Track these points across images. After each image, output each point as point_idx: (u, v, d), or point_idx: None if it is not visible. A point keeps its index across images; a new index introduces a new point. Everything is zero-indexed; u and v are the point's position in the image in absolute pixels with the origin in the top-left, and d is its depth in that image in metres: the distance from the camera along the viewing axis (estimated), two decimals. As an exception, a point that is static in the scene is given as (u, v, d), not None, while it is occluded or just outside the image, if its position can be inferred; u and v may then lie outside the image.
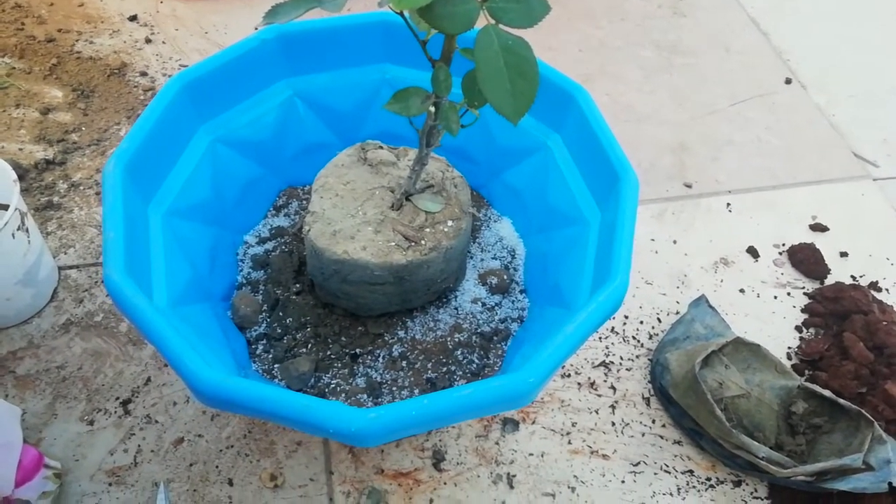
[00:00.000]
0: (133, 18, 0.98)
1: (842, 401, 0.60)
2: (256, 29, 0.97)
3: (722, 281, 0.75)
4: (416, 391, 0.54)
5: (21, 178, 0.75)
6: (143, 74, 0.90)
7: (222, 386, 0.38)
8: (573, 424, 0.63)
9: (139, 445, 0.59)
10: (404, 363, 0.56)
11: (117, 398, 0.61)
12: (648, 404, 0.65)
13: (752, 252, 0.77)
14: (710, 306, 0.69)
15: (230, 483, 0.57)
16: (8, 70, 0.88)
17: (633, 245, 0.46)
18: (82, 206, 0.75)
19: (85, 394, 0.61)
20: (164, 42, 0.95)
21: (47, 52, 0.91)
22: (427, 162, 0.49)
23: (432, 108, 0.41)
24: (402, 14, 0.36)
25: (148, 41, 0.95)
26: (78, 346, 0.64)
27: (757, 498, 0.60)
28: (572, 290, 0.52)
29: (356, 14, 0.59)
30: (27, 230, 0.61)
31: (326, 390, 0.55)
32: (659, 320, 0.71)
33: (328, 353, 0.56)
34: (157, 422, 0.60)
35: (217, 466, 0.58)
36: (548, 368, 0.39)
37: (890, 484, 0.56)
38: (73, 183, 0.77)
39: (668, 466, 0.61)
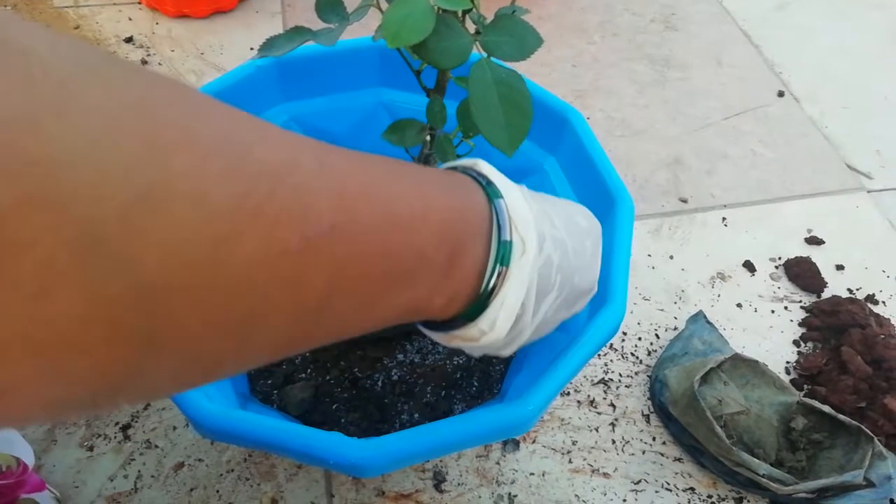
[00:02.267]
0: (129, 40, 0.98)
1: (841, 416, 0.60)
2: (252, 51, 0.98)
3: (719, 296, 0.75)
4: (417, 416, 0.54)
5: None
6: (140, 96, 0.90)
7: (222, 419, 0.38)
8: (573, 443, 0.63)
9: (139, 471, 0.59)
10: (403, 387, 0.56)
11: (117, 423, 0.61)
12: (648, 421, 0.65)
13: (749, 266, 0.78)
14: (708, 322, 0.69)
15: (231, 508, 0.57)
16: (4, 94, 0.88)
17: (629, 268, 0.47)
18: (80, 231, 0.75)
19: (84, 419, 0.61)
20: (160, 63, 0.96)
21: (44, 76, 0.91)
22: (423, 187, 0.49)
23: (428, 138, 0.41)
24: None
25: (144, 62, 0.95)
26: (77, 372, 0.64)
27: (758, 515, 0.60)
28: (570, 311, 0.52)
29: (351, 39, 0.59)
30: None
31: (327, 416, 0.55)
32: (657, 336, 0.71)
33: (327, 377, 0.56)
34: (157, 447, 0.60)
35: (218, 491, 0.58)
36: (546, 396, 0.39)
37: (891, 500, 0.56)
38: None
39: (669, 484, 0.61)
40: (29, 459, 0.52)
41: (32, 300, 0.14)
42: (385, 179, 0.26)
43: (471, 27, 0.35)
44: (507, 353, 0.34)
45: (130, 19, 1.02)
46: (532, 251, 0.30)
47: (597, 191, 0.53)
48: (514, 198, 0.31)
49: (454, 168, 0.33)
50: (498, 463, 0.61)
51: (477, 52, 0.35)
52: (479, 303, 0.30)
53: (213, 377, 0.21)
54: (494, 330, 0.30)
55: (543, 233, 0.32)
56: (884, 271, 0.79)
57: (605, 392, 0.66)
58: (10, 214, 0.14)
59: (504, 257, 0.30)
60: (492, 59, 0.34)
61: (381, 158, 0.28)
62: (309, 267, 0.21)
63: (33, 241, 0.14)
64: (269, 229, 0.19)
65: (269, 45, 0.40)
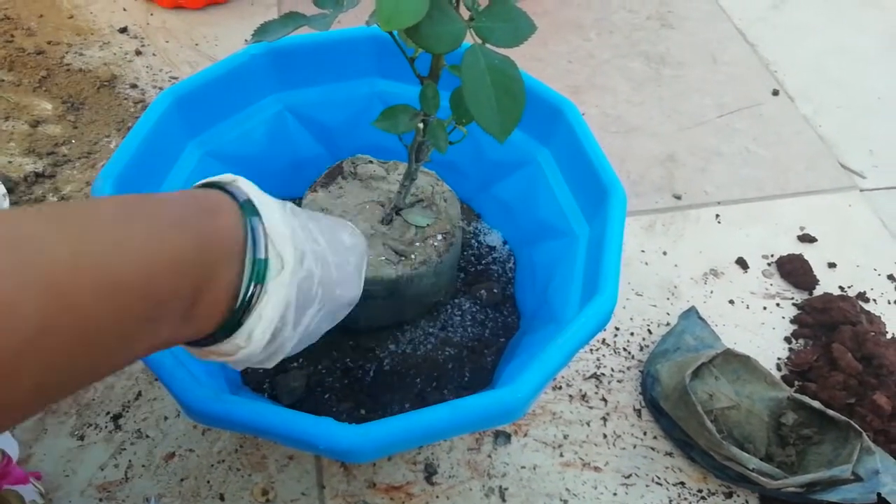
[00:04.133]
0: (123, 30, 0.98)
1: (830, 412, 0.60)
2: (247, 42, 0.98)
3: (712, 292, 0.75)
4: (407, 406, 0.54)
5: (10, 191, 0.75)
6: (134, 87, 0.90)
7: (213, 404, 0.38)
8: (565, 437, 0.63)
9: (130, 460, 0.58)
10: (395, 377, 0.56)
11: (108, 413, 0.61)
12: (640, 416, 0.65)
13: (742, 263, 0.78)
14: (700, 318, 0.70)
15: (221, 498, 0.57)
16: (-3, 83, 0.88)
17: (621, 259, 0.47)
18: (72, 220, 0.75)
19: (75, 409, 0.61)
20: (154, 54, 0.95)
21: (37, 65, 0.91)
22: (416, 177, 0.49)
23: (420, 126, 0.41)
24: (390, 32, 0.36)
25: (138, 53, 0.95)
26: (67, 360, 0.64)
27: (747, 509, 0.60)
28: (561, 303, 0.52)
29: (345, 29, 0.59)
30: (16, 245, 0.60)
31: (318, 405, 0.55)
32: (649, 332, 0.71)
33: (319, 367, 0.56)
34: (148, 436, 0.60)
35: (208, 481, 0.58)
36: (537, 383, 0.39)
37: (878, 494, 0.56)
38: (63, 196, 0.77)
39: (659, 478, 0.61)
40: (13, 452, 0.52)
41: None
42: (105, 236, 0.24)
43: (465, 13, 0.35)
44: (269, 364, 0.34)
45: (125, 10, 1.01)
46: (290, 266, 0.30)
47: (590, 182, 0.53)
48: (272, 214, 0.31)
49: (211, 185, 0.33)
50: (489, 456, 0.61)
51: (471, 38, 0.35)
52: (232, 320, 0.30)
53: None
54: (251, 343, 0.30)
55: (304, 249, 0.32)
56: (875, 269, 0.79)
57: (596, 387, 0.66)
58: None
59: (259, 274, 0.30)
60: (485, 45, 0.34)
61: (105, 204, 0.26)
62: (18, 373, 0.20)
63: None
64: None
65: (263, 29, 0.40)
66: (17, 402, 0.21)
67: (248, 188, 0.32)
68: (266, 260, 0.30)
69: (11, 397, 0.21)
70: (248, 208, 0.31)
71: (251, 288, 0.30)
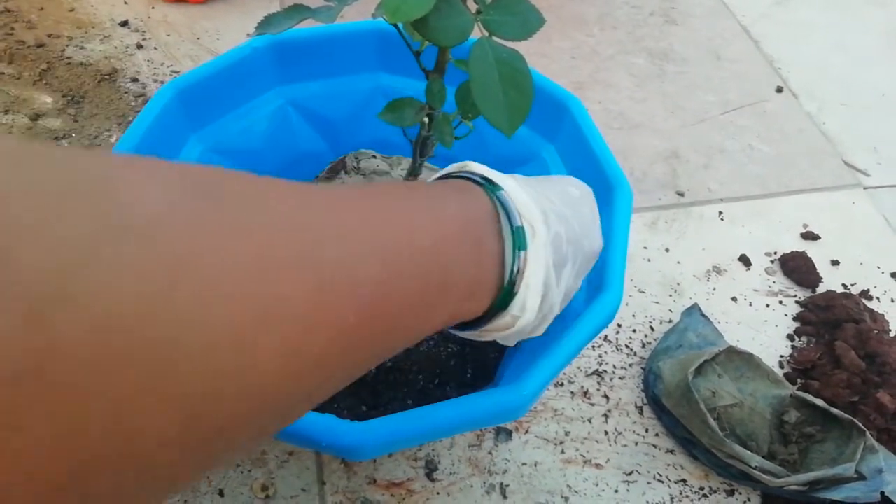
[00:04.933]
0: (124, 24, 0.97)
1: (834, 410, 0.60)
2: (249, 36, 0.97)
3: (714, 289, 0.75)
4: (410, 403, 0.54)
5: (10, 184, 0.75)
6: (135, 80, 0.90)
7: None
8: (566, 434, 0.63)
9: (129, 456, 0.58)
10: (397, 374, 0.56)
11: (107, 408, 0.61)
12: (641, 413, 0.65)
13: (744, 260, 0.78)
14: (703, 315, 0.69)
15: (221, 494, 0.57)
16: (-3, 75, 0.87)
17: (626, 255, 0.46)
18: (72, 214, 0.74)
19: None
20: (155, 48, 0.95)
21: (37, 58, 0.90)
22: (420, 172, 0.49)
23: (426, 120, 0.41)
24: (395, 25, 0.36)
25: (139, 47, 0.94)
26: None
27: (750, 507, 0.60)
28: (566, 300, 0.52)
29: (349, 22, 0.59)
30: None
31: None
32: (652, 329, 0.71)
33: (321, 363, 0.56)
34: (147, 432, 0.59)
35: (207, 477, 0.57)
36: (542, 381, 0.39)
37: (882, 493, 0.56)
38: (62, 190, 0.76)
39: (661, 476, 0.61)
40: None
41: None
42: (404, 216, 0.27)
43: (472, 6, 0.34)
44: (540, 331, 0.36)
45: (126, 3, 1.01)
46: (541, 230, 0.32)
47: (595, 178, 0.52)
48: (511, 186, 0.32)
49: (447, 176, 0.35)
50: (490, 453, 0.61)
51: (478, 31, 0.34)
52: (505, 292, 0.31)
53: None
54: (526, 311, 0.32)
55: (546, 210, 0.33)
56: (878, 267, 0.79)
57: (598, 383, 0.66)
58: (128, 405, 0.15)
59: (521, 242, 0.31)
60: (493, 38, 0.34)
61: (391, 190, 0.29)
62: (363, 329, 0.23)
63: (148, 425, 0.15)
64: (335, 317, 0.21)
65: (266, 22, 0.39)
66: (359, 355, 0.24)
67: (479, 169, 0.34)
68: (522, 228, 0.32)
69: (356, 353, 0.24)
70: (490, 185, 0.33)
71: (517, 255, 0.31)
